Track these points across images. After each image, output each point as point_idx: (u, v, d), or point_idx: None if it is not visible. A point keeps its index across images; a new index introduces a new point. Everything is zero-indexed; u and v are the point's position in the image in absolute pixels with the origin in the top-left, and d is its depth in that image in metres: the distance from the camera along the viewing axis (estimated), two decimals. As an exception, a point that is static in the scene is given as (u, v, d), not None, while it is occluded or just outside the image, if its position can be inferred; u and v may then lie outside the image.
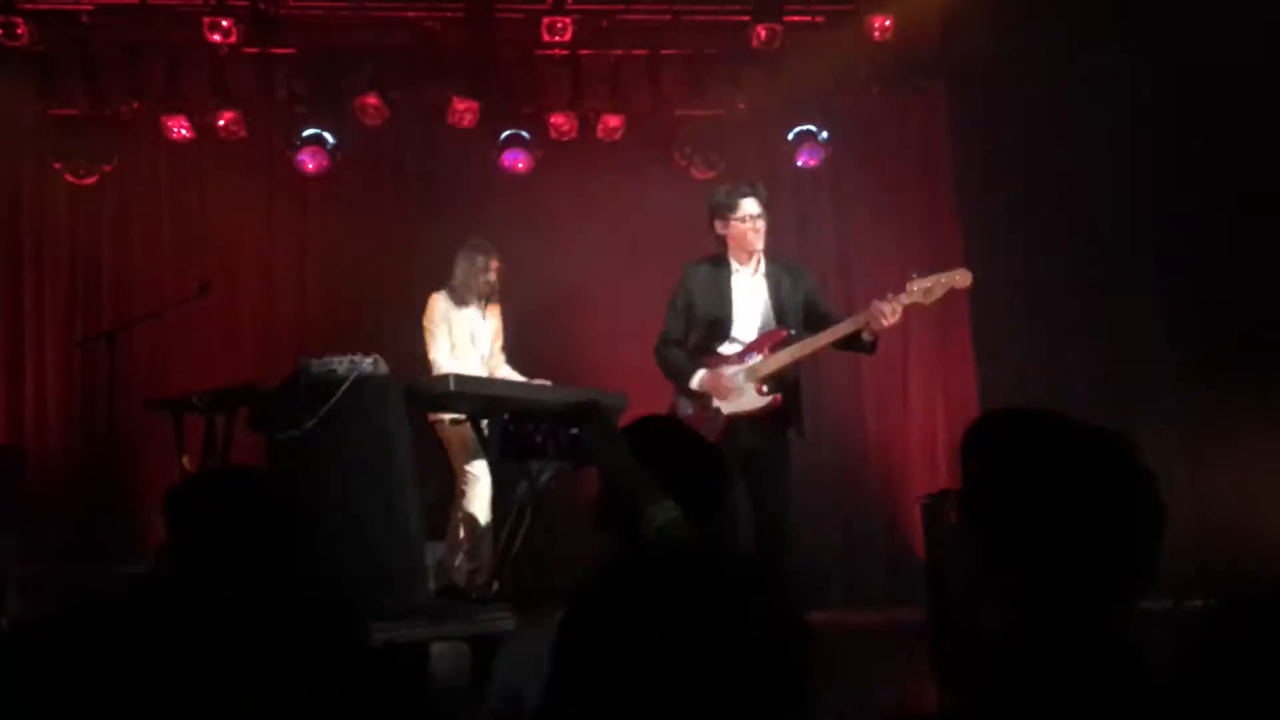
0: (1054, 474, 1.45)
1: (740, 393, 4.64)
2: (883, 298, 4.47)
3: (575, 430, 4.87)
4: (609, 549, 2.19)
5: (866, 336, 4.56)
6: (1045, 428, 1.51)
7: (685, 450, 2.38)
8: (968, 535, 1.48)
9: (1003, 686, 1.34)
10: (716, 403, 4.65)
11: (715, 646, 1.05)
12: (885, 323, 4.43)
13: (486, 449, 5.66)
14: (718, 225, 4.80)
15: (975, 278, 4.58)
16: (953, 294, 4.58)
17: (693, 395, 4.69)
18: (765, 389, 4.62)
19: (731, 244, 4.79)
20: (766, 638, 1.08)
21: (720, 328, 4.74)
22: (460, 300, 6.02)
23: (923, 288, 4.47)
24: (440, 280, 6.10)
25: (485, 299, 6.08)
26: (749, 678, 1.04)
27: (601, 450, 2.21)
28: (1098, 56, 6.86)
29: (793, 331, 4.70)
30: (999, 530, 1.46)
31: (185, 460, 5.42)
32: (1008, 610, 1.43)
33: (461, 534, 5.87)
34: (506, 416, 5.14)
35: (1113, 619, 1.39)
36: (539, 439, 5.16)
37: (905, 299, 4.46)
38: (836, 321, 4.66)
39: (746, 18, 7.23)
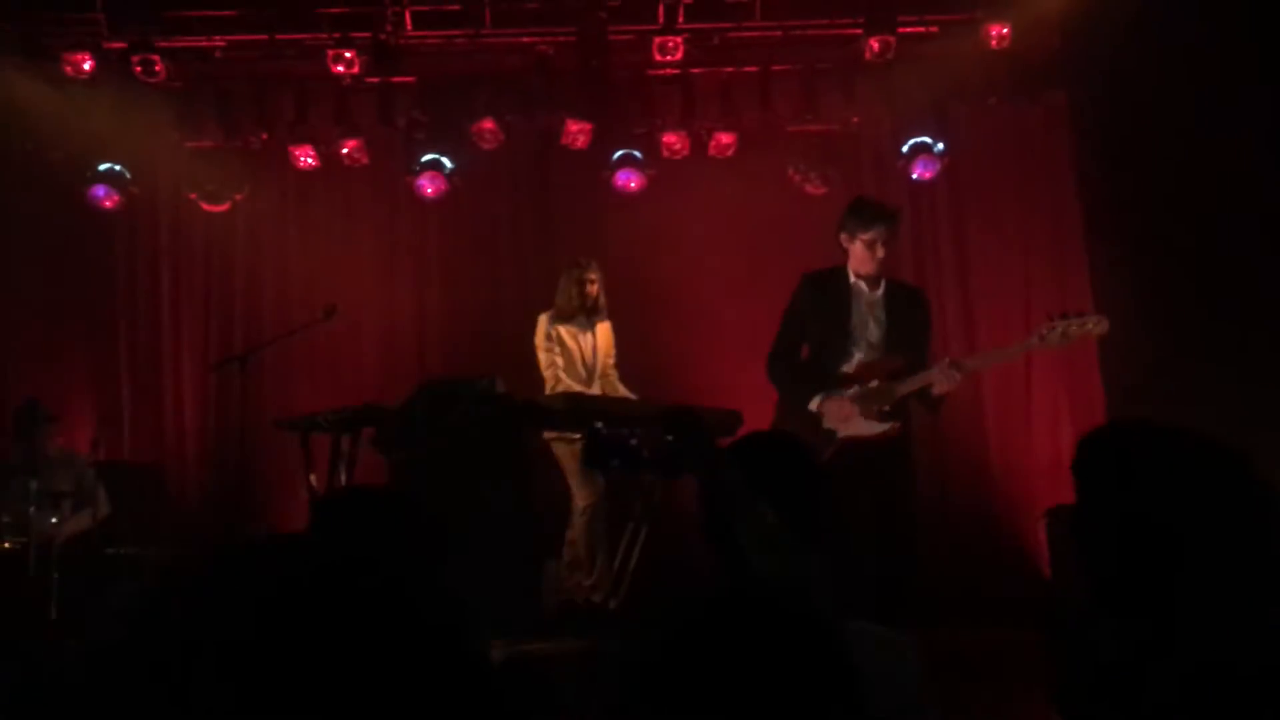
0: (1167, 488, 1.40)
1: (857, 418, 4.60)
2: (948, 361, 4.53)
3: (670, 438, 4.85)
4: (717, 568, 2.19)
5: (931, 394, 4.53)
6: (1155, 441, 1.45)
7: (794, 468, 2.37)
8: (1082, 554, 1.43)
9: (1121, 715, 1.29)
10: (829, 424, 4.61)
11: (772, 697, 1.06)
12: (938, 390, 4.44)
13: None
14: (843, 238, 4.79)
15: (1099, 290, 4.49)
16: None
17: (803, 414, 4.66)
18: (884, 416, 4.58)
19: (852, 259, 4.77)
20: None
21: (839, 342, 4.71)
22: (565, 317, 6.09)
23: (1057, 334, 4.42)
24: (553, 302, 6.20)
25: (589, 313, 6.14)
26: None
27: (697, 460, 2.22)
28: (1227, 62, 6.61)
29: (907, 359, 4.65)
30: (1115, 549, 1.41)
31: (312, 478, 5.59)
32: (1126, 633, 1.37)
33: (577, 550, 5.92)
34: (599, 424, 5.17)
35: (1247, 636, 1.32)
36: (633, 443, 5.15)
37: (1035, 344, 4.51)
38: (927, 365, 4.64)
39: (859, 30, 7.17)
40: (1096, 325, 4.46)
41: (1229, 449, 1.40)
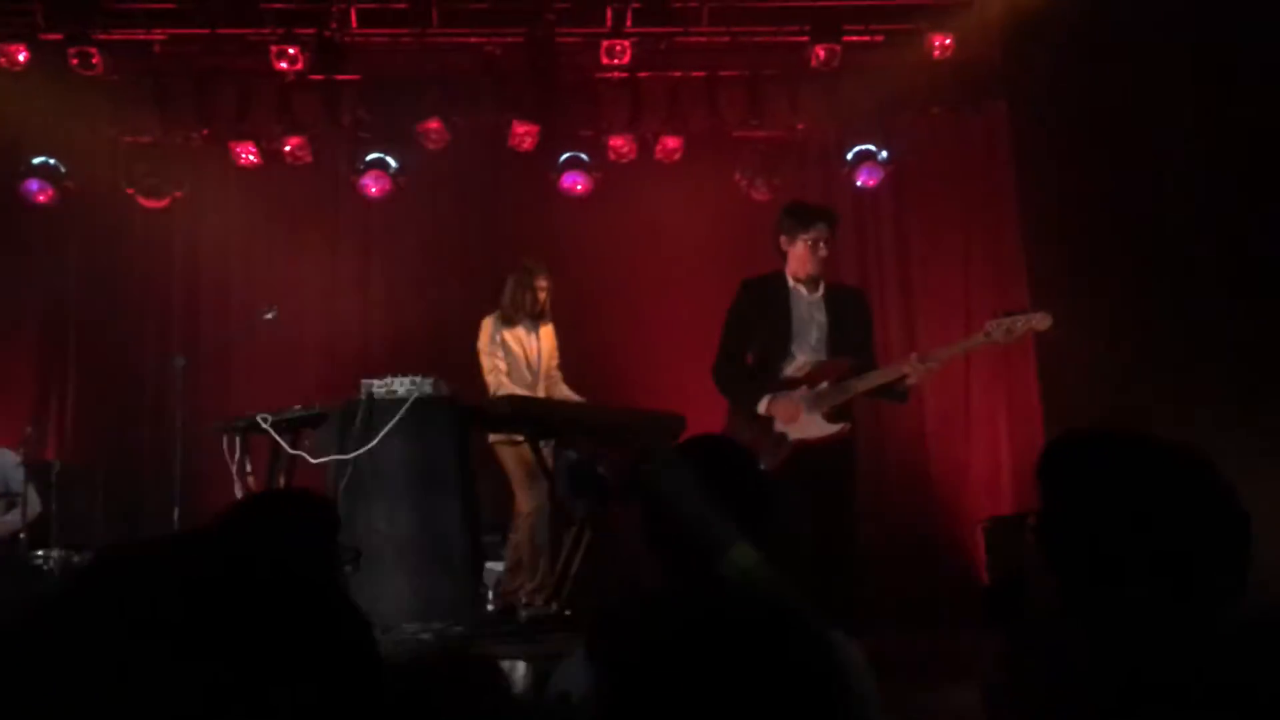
0: (1135, 494, 1.42)
1: (807, 419, 4.62)
2: (915, 356, 4.58)
3: (642, 465, 4.88)
4: (661, 573, 2.18)
5: (899, 387, 4.60)
6: (1121, 447, 1.48)
7: (737, 471, 2.38)
8: (1047, 561, 1.45)
9: (1083, 712, 1.31)
10: (781, 428, 4.63)
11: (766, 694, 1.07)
12: (910, 381, 4.50)
13: (544, 469, 5.69)
14: (783, 241, 4.81)
15: (1036, 295, 4.58)
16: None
17: (754, 418, 4.68)
18: (832, 418, 4.62)
19: (792, 262, 4.79)
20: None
21: (779, 345, 4.73)
22: (510, 320, 6.07)
23: (1002, 330, 4.48)
24: (498, 304, 6.17)
25: (535, 318, 6.12)
26: None
27: (673, 491, 2.22)
28: (1165, 71, 6.74)
29: (853, 361, 4.69)
30: (1080, 555, 1.43)
31: (250, 480, 5.51)
32: (1090, 633, 1.39)
33: (520, 554, 5.90)
34: (574, 456, 5.16)
35: (1205, 635, 1.35)
36: (601, 470, 5.18)
37: (979, 341, 4.53)
38: (876, 364, 4.71)
39: (805, 38, 7.23)
40: (1040, 321, 4.53)
41: (1193, 453, 1.43)
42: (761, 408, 4.65)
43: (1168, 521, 1.39)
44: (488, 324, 6.08)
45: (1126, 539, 1.39)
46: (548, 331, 6.21)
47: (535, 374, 6.10)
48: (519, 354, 6.07)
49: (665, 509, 2.19)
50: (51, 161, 7.21)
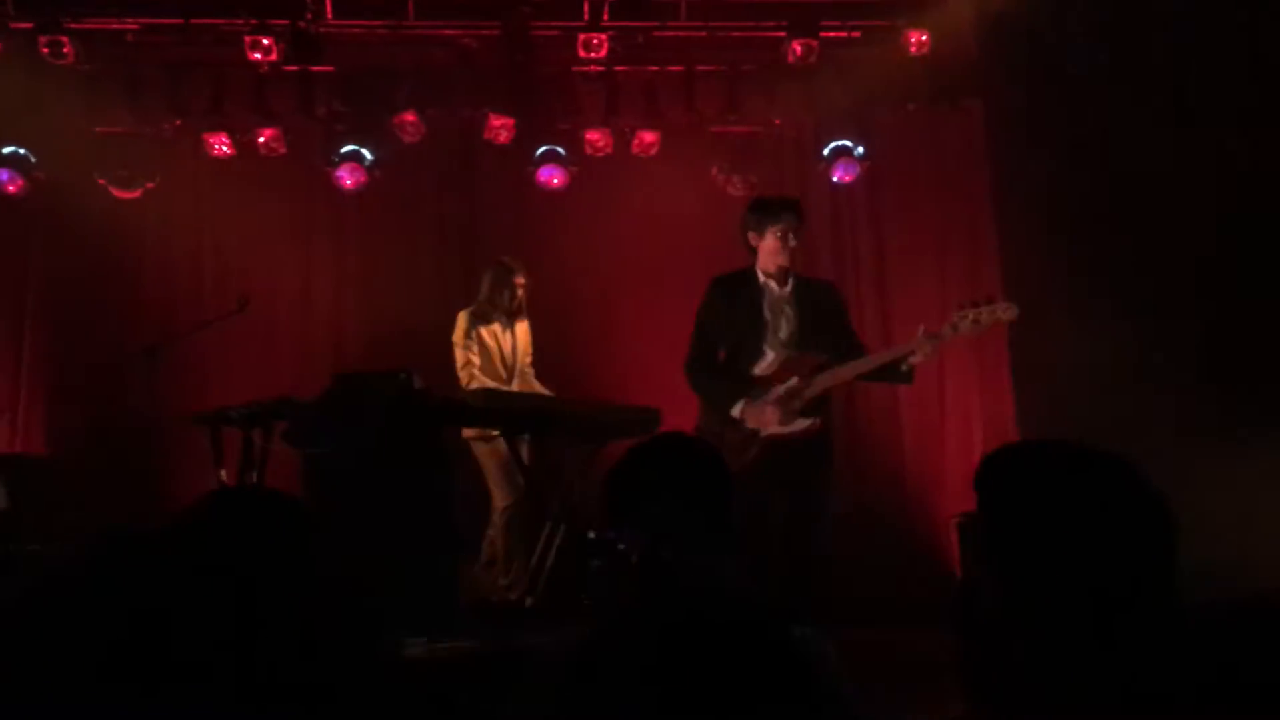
0: (1061, 503, 1.49)
1: (779, 416, 4.61)
2: (924, 332, 4.51)
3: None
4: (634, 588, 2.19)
5: (904, 367, 4.57)
6: (1050, 458, 1.55)
7: (704, 469, 2.39)
8: (987, 567, 1.51)
9: (1027, 713, 1.35)
10: (753, 425, 4.63)
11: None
12: (915, 360, 4.47)
13: (520, 465, 5.68)
14: (751, 237, 4.80)
15: (1010, 289, 4.58)
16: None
17: (728, 418, 4.66)
18: (805, 414, 4.60)
19: (762, 257, 4.78)
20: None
21: (751, 342, 4.73)
22: (486, 317, 6.06)
23: (969, 321, 4.47)
24: (474, 297, 6.15)
25: (511, 315, 6.11)
26: None
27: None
28: (1141, 69, 6.79)
29: (826, 355, 4.68)
30: (1014, 562, 1.50)
31: (223, 474, 5.48)
32: (1028, 637, 1.45)
33: (495, 550, 5.89)
34: (591, 533, 5.11)
35: (1133, 639, 1.40)
36: (620, 547, 5.12)
37: (945, 336, 4.48)
38: (864, 349, 4.69)
39: (782, 34, 7.24)
40: (1006, 312, 4.52)
41: (1120, 459, 1.50)
42: (735, 412, 4.63)
43: (1093, 531, 1.46)
44: (463, 319, 6.08)
45: (1058, 546, 1.46)
46: (523, 328, 6.20)
47: (510, 370, 6.10)
48: (494, 350, 6.06)
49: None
50: (21, 151, 7.12)
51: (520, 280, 6.11)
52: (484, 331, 6.06)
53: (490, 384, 5.86)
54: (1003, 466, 1.59)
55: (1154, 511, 1.47)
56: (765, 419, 4.58)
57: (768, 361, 4.71)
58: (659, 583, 2.09)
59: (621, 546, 4.95)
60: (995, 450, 1.63)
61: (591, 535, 5.09)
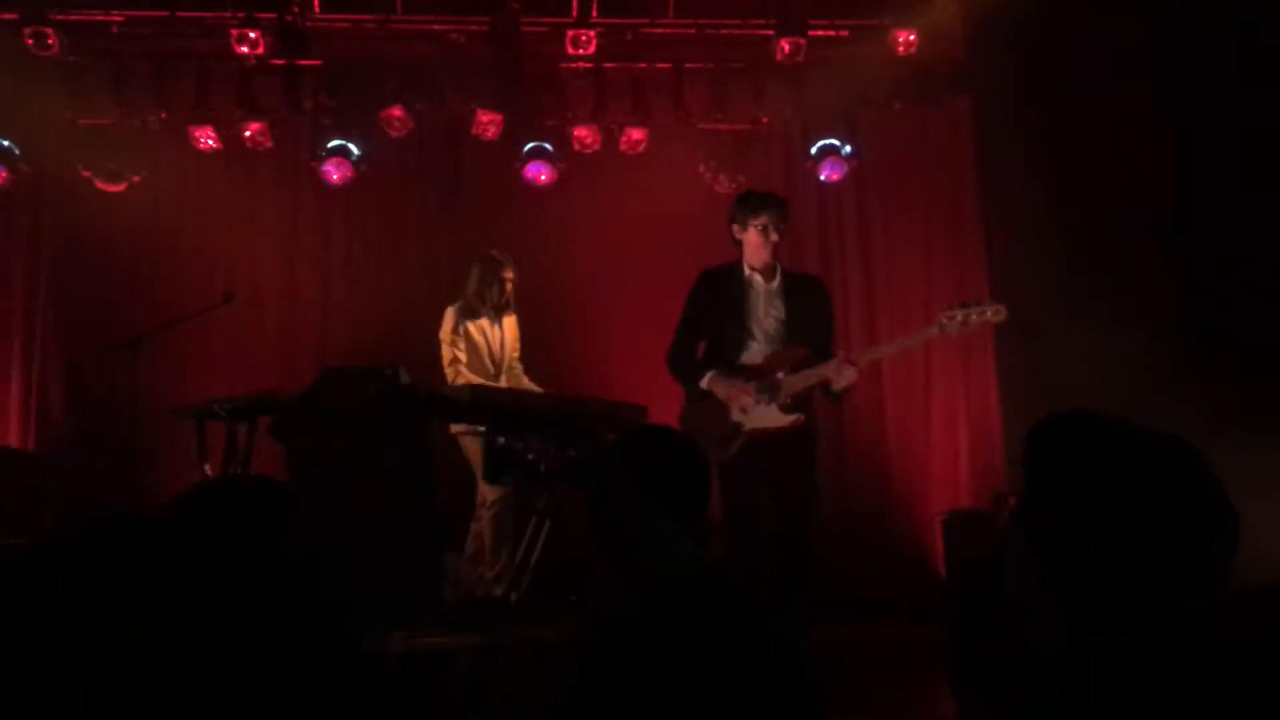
0: (1123, 483, 1.41)
1: (762, 409, 4.61)
2: (848, 359, 4.51)
3: (571, 452, 4.83)
4: (616, 584, 2.18)
5: (834, 389, 4.56)
6: (1109, 432, 1.46)
7: (683, 463, 2.39)
8: (1028, 547, 1.43)
9: (1058, 704, 1.30)
10: (737, 418, 4.63)
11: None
12: (839, 385, 4.46)
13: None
14: (735, 230, 4.82)
15: (996, 288, 4.58)
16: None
17: (704, 407, 4.66)
18: (788, 409, 4.60)
19: (747, 251, 4.79)
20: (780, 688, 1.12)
21: (735, 335, 4.73)
22: (474, 312, 6.05)
23: (956, 322, 4.48)
24: (460, 292, 6.14)
25: (499, 310, 6.10)
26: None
27: (601, 481, 2.21)
28: (1128, 67, 6.80)
29: (810, 350, 4.68)
30: (1063, 542, 1.42)
31: (207, 468, 5.45)
32: (1070, 625, 1.38)
33: (481, 544, 5.88)
34: (499, 439, 5.09)
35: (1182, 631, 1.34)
36: (530, 457, 5.09)
37: (934, 333, 4.50)
38: (831, 355, 4.66)
39: (770, 32, 7.25)
40: (995, 314, 4.53)
41: (1184, 444, 1.42)
42: (704, 383, 4.64)
43: (1155, 510, 1.38)
44: (451, 314, 6.06)
45: (1111, 525, 1.38)
46: (510, 323, 6.19)
47: (498, 365, 6.09)
48: (482, 345, 6.05)
49: (612, 517, 2.19)
50: (5, 143, 7.08)
51: (509, 274, 6.10)
52: (472, 327, 6.04)
53: (476, 381, 5.85)
54: (1056, 437, 1.49)
55: (1218, 500, 1.39)
56: (734, 393, 4.58)
57: (752, 354, 4.71)
58: (632, 573, 2.08)
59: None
60: (1045, 420, 1.51)
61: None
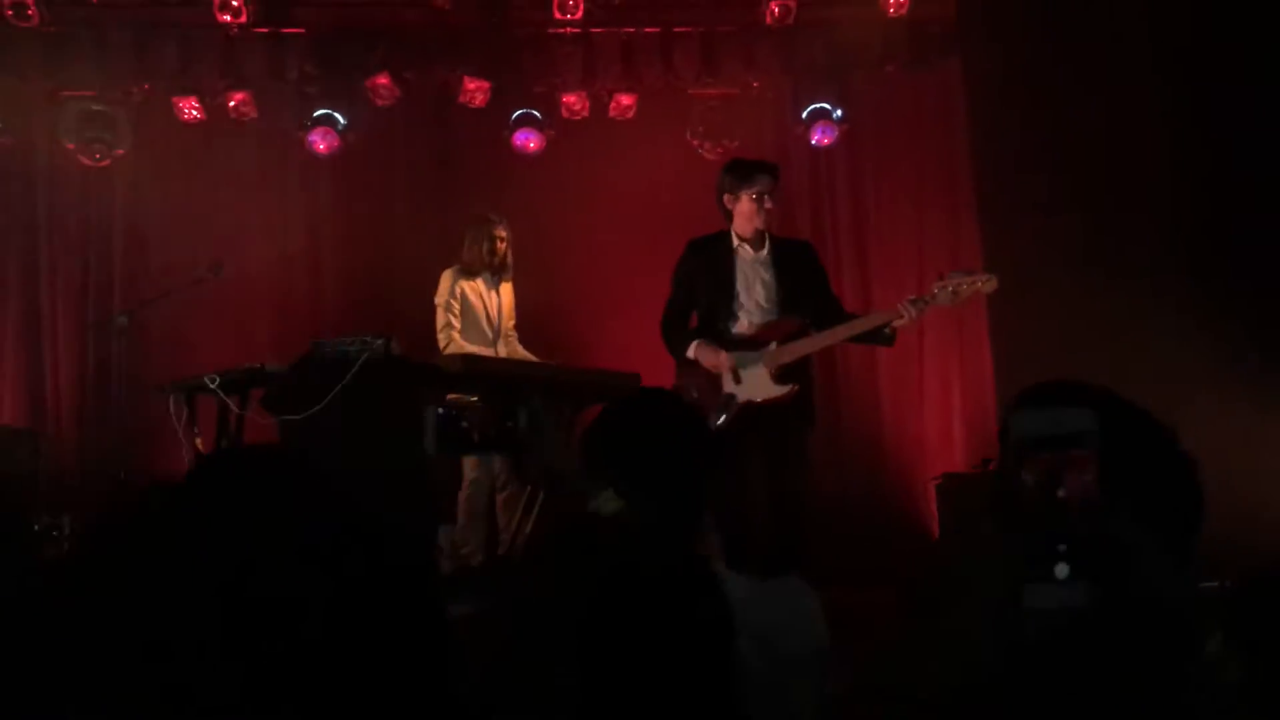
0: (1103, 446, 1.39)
1: (755, 380, 4.59)
2: (905, 299, 4.52)
3: (510, 422, 4.83)
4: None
5: (887, 330, 4.57)
6: (1089, 403, 1.44)
7: (679, 426, 2.38)
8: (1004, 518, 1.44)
9: (1037, 667, 1.30)
10: (730, 388, 4.61)
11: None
12: (899, 324, 4.47)
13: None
14: (726, 199, 4.78)
15: (989, 254, 4.57)
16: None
17: (696, 376, 4.65)
18: (782, 378, 4.58)
19: (737, 220, 4.76)
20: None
21: (725, 304, 4.71)
22: (470, 273, 6.01)
23: (948, 292, 4.47)
24: (452, 260, 6.09)
25: (495, 271, 6.06)
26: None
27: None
28: (1122, 29, 6.74)
29: (806, 319, 4.66)
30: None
31: (198, 442, 5.42)
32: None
33: (471, 515, 5.88)
34: (441, 410, 5.06)
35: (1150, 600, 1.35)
36: (463, 425, 5.08)
37: (929, 302, 4.48)
38: (844, 310, 4.68)
39: (760, -7, 7.18)
40: (986, 283, 4.53)
41: (1154, 417, 1.43)
42: (690, 352, 4.63)
43: (1124, 486, 1.38)
44: (447, 276, 6.02)
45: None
46: (507, 289, 6.16)
47: (495, 331, 6.05)
48: (479, 308, 6.01)
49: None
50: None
51: (501, 233, 6.04)
52: (468, 289, 6.00)
53: (470, 348, 5.82)
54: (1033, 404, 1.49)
55: (1184, 478, 1.40)
56: (719, 361, 4.57)
57: (742, 324, 4.69)
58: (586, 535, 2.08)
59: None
60: (1026, 390, 1.53)
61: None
